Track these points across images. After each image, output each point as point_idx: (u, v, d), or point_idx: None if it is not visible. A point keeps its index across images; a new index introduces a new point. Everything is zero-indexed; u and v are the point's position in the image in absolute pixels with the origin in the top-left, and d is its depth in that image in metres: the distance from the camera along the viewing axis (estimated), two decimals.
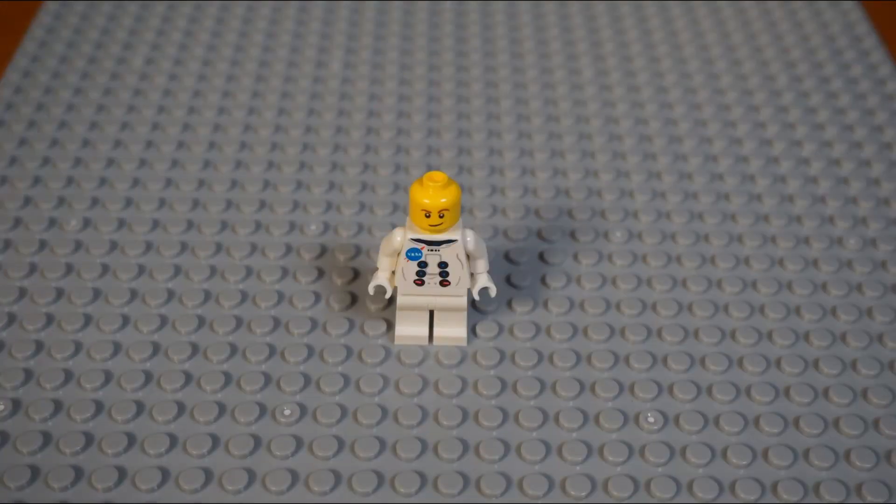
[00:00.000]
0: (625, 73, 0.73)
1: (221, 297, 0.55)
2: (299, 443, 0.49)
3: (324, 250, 0.58)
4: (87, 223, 0.60)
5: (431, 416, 0.50)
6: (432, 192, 0.48)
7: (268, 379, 0.52)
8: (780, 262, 0.59)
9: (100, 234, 0.59)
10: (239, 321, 0.54)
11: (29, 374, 0.51)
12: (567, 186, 0.63)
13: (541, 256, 0.59)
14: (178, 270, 0.57)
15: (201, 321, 0.54)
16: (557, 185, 0.63)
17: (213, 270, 0.57)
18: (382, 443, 0.49)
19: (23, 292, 0.55)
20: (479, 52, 0.75)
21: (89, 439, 0.49)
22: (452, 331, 0.53)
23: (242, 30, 0.76)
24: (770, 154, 0.66)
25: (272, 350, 0.53)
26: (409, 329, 0.53)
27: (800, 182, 0.64)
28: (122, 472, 0.47)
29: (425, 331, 0.53)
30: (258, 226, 0.60)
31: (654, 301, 0.56)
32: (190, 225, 0.60)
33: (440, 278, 0.51)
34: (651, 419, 0.50)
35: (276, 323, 0.54)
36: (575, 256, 0.59)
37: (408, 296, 0.52)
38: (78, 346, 0.53)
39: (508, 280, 0.57)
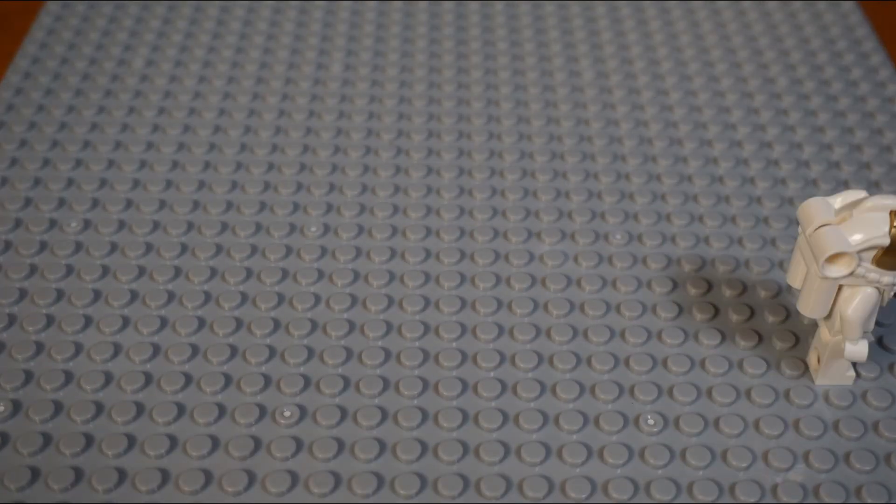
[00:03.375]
0: (625, 76, 0.73)
1: (221, 299, 0.55)
2: (299, 444, 0.49)
3: (324, 252, 0.58)
4: (87, 224, 0.60)
5: (431, 418, 0.50)
6: None
7: (268, 380, 0.52)
8: (780, 265, 0.59)
9: (100, 235, 0.59)
10: (239, 323, 0.54)
11: (29, 376, 0.51)
12: (567, 189, 0.63)
13: (541, 258, 0.59)
14: (178, 272, 0.57)
15: (201, 323, 0.54)
16: (558, 187, 0.63)
17: (213, 272, 0.57)
18: (382, 444, 0.49)
19: (23, 293, 0.55)
20: (480, 55, 0.75)
21: (89, 440, 0.49)
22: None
23: (242, 32, 0.76)
24: (770, 157, 0.66)
25: (272, 351, 0.53)
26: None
27: (800, 185, 0.64)
28: (122, 474, 0.47)
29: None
30: (258, 227, 0.60)
31: (654, 304, 0.56)
32: (190, 226, 0.60)
33: None
34: (651, 421, 0.50)
35: (276, 324, 0.54)
36: (575, 259, 0.59)
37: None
38: (78, 348, 0.53)
39: (507, 282, 0.57)
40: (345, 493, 0.47)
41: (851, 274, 0.47)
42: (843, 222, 0.48)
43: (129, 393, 0.51)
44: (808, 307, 0.49)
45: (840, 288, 0.48)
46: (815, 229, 0.48)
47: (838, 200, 0.48)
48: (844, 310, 0.48)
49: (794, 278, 0.50)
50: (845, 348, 0.49)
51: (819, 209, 0.48)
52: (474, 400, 0.51)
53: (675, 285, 0.57)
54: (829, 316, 0.50)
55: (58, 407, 0.50)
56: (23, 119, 0.67)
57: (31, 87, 0.70)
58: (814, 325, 0.55)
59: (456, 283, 0.57)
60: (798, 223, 0.51)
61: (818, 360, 0.52)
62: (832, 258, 0.47)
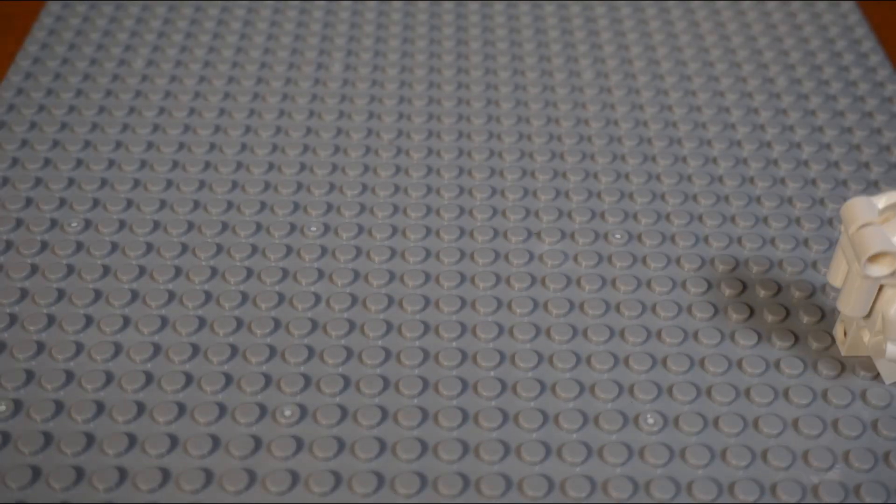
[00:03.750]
0: (625, 76, 0.73)
1: (222, 299, 0.55)
2: (299, 444, 0.49)
3: (324, 252, 0.59)
4: (88, 224, 0.60)
5: (431, 418, 0.50)
6: None
7: (268, 380, 0.52)
8: (779, 265, 0.59)
9: (101, 235, 0.59)
10: (239, 322, 0.54)
11: (30, 375, 0.51)
12: (567, 188, 0.63)
13: (541, 258, 0.59)
14: (178, 272, 0.57)
15: (202, 322, 0.54)
16: (557, 186, 0.63)
17: (213, 272, 0.57)
18: (382, 444, 0.49)
19: (24, 293, 0.55)
20: (480, 55, 0.75)
21: (90, 440, 0.49)
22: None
23: (243, 32, 0.76)
24: (769, 156, 0.66)
25: (272, 351, 0.53)
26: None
27: (799, 185, 0.64)
28: (122, 473, 0.47)
29: None
30: (259, 227, 0.60)
31: (654, 303, 0.56)
32: (191, 226, 0.60)
33: None
34: (651, 420, 0.50)
35: (277, 324, 0.54)
36: (575, 258, 0.59)
37: None
38: (79, 347, 0.53)
39: (507, 281, 0.57)
40: (345, 492, 0.47)
41: (893, 274, 0.48)
42: (887, 222, 0.48)
43: (130, 392, 0.51)
44: (849, 306, 0.49)
45: (881, 288, 0.49)
46: (858, 228, 0.48)
47: (882, 200, 0.49)
48: (886, 310, 0.49)
49: (835, 277, 0.51)
50: (887, 349, 0.50)
51: (862, 208, 0.49)
52: (474, 399, 0.51)
53: (675, 285, 0.57)
54: (869, 315, 0.50)
55: (59, 406, 0.50)
56: (24, 119, 0.67)
57: (32, 88, 0.70)
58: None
59: (456, 282, 0.57)
60: (841, 222, 0.51)
61: (844, 333, 0.52)
62: (874, 257, 0.48)
